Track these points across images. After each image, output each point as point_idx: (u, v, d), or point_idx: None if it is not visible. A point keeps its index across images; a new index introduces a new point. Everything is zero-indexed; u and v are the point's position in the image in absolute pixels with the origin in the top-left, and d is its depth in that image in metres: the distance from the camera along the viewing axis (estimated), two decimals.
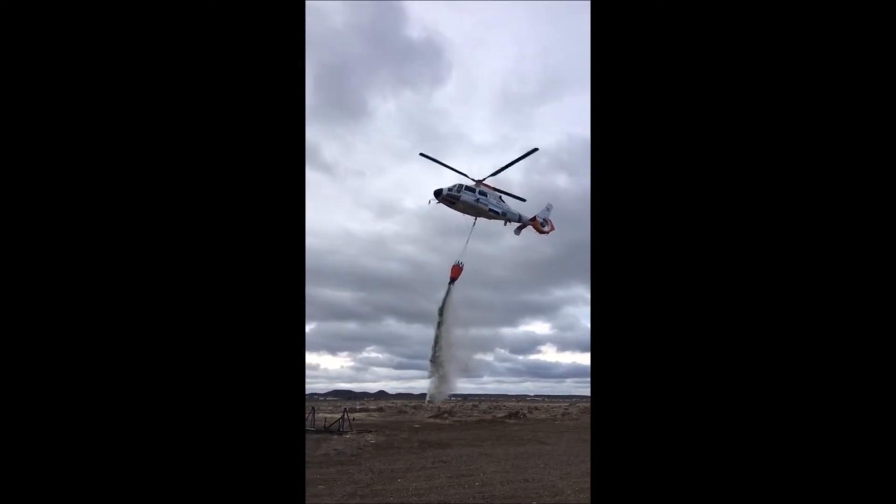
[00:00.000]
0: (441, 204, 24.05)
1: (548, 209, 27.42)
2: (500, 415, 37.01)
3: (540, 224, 26.66)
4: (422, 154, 24.06)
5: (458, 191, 23.82)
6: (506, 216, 25.51)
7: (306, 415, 25.23)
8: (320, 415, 25.83)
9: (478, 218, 24.89)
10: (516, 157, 23.86)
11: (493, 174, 24.34)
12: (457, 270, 26.07)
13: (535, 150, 23.56)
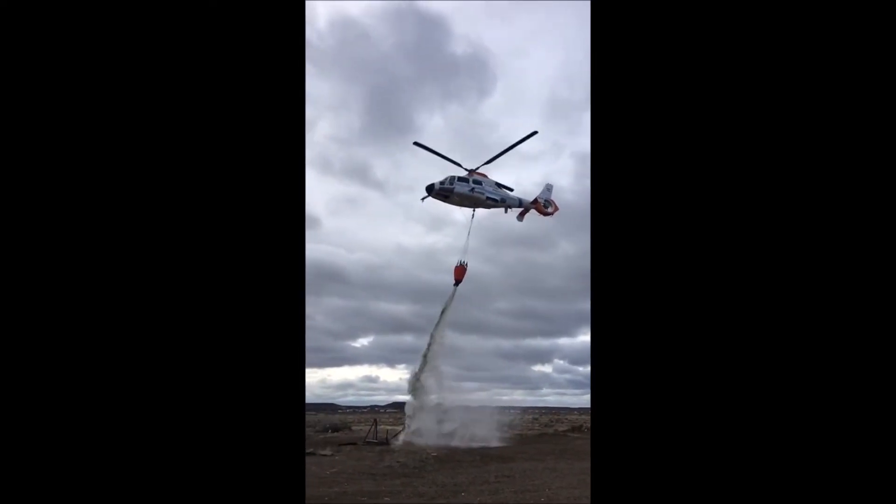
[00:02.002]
0: (436, 199, 22.80)
1: (548, 189, 26.13)
2: (562, 428, 35.92)
3: (543, 206, 25.44)
4: (416, 143, 22.79)
5: (451, 183, 22.57)
6: (505, 202, 24.18)
7: (369, 427, 25.57)
8: (382, 426, 26.18)
9: (476, 209, 23.61)
10: (520, 145, 22.48)
11: (488, 162, 23.08)
12: (460, 271, 24.41)
13: (535, 132, 22.35)
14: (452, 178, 22.80)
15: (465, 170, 23.10)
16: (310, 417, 45.38)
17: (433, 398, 24.84)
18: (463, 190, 22.76)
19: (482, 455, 18.18)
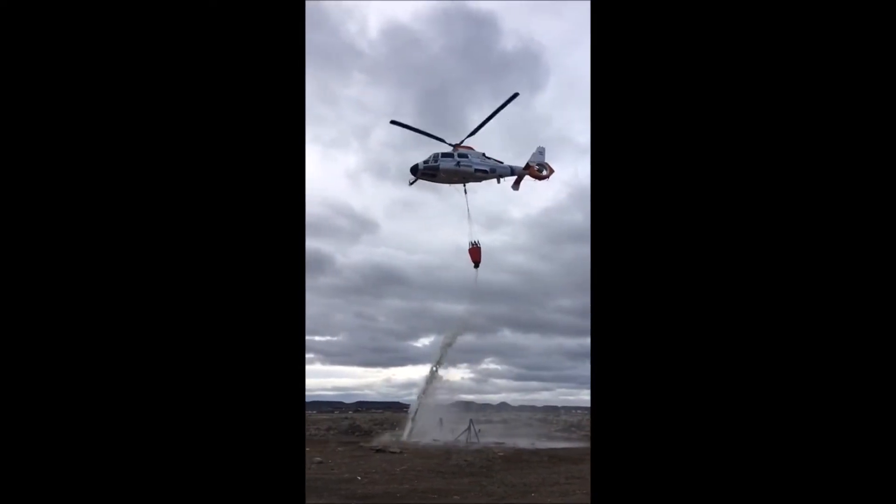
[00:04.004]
0: (423, 180, 21.77)
1: (540, 152, 24.24)
2: None
3: (537, 170, 23.65)
4: (393, 122, 21.74)
5: (435, 160, 21.37)
6: (496, 173, 22.61)
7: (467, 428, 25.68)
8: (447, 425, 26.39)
9: (466, 183, 22.31)
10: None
11: (472, 133, 21.77)
12: (476, 252, 23.15)
13: (516, 94, 20.60)
14: (436, 155, 21.65)
15: (450, 144, 21.92)
16: (377, 415, 46.73)
17: (436, 398, 24.91)
18: (448, 166, 21.59)
19: (550, 456, 17.89)
